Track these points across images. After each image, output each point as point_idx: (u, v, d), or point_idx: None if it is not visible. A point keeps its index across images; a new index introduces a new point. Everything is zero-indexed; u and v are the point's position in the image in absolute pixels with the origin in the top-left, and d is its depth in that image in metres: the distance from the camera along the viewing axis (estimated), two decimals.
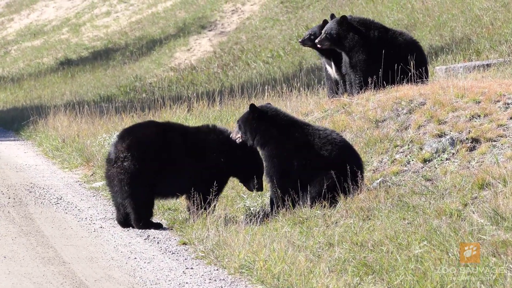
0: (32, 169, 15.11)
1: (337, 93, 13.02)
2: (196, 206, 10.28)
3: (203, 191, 10.31)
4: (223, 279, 8.53)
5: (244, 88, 17.61)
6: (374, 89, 12.34)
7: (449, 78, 12.83)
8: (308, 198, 9.87)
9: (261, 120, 10.18)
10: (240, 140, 10.30)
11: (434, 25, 20.28)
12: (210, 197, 10.25)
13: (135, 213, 10.34)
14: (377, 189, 9.87)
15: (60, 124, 18.31)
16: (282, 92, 15.50)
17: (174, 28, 34.90)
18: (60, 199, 12.34)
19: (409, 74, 12.37)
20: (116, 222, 10.66)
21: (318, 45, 12.71)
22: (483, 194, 9.07)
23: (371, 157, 11.03)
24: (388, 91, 12.16)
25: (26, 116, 21.31)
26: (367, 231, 8.77)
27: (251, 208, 10.67)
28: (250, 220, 10.01)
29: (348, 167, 9.83)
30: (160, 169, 10.31)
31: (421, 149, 10.76)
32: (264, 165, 10.26)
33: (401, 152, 10.88)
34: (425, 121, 11.13)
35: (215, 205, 10.28)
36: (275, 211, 9.99)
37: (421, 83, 12.35)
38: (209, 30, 33.30)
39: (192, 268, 8.93)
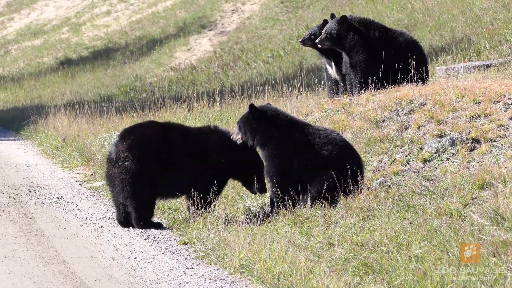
0: (32, 169, 15.10)
1: (337, 93, 13.02)
2: (197, 206, 10.29)
3: (204, 191, 10.31)
4: (224, 279, 8.53)
5: (244, 88, 17.61)
6: (374, 89, 12.34)
7: (449, 78, 12.83)
8: (308, 198, 9.87)
9: (261, 120, 10.18)
10: (241, 141, 10.30)
11: (434, 25, 20.27)
12: (210, 197, 10.26)
13: (136, 213, 10.35)
14: (377, 189, 9.87)
15: (60, 123, 18.31)
16: (282, 92, 15.49)
17: (174, 27, 34.89)
18: (60, 198, 12.34)
19: (409, 74, 12.37)
20: (116, 221, 10.66)
21: (319, 45, 12.71)
22: (483, 194, 9.07)
23: (371, 157, 11.03)
24: (388, 91, 12.16)
25: (26, 115, 21.30)
26: (368, 231, 8.77)
27: (251, 208, 10.67)
28: (250, 220, 10.01)
29: (348, 167, 9.83)
30: (160, 169, 10.32)
31: (421, 149, 10.75)
32: (264, 165, 10.26)
33: (401, 152, 10.88)
34: (425, 121, 11.13)
35: (215, 205, 10.28)
36: (275, 211, 9.98)
37: (421, 83, 12.35)
38: (209, 30, 33.29)
39: (192, 268, 8.93)
